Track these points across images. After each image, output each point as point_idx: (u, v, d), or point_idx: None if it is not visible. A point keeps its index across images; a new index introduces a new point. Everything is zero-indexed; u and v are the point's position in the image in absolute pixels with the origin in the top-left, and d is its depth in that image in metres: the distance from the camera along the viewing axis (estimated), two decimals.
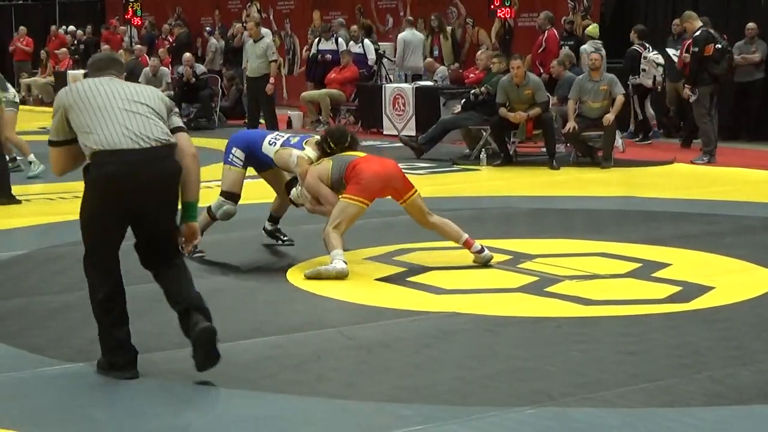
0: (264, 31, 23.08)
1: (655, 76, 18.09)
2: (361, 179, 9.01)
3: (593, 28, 20.62)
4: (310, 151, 9.39)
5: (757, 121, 18.88)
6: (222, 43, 26.23)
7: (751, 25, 18.54)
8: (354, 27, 24.17)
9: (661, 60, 18.26)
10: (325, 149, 9.34)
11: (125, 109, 6.16)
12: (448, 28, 22.92)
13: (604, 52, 19.01)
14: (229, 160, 9.86)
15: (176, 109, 6.51)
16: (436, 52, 22.76)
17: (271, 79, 19.04)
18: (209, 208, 9.89)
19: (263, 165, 9.80)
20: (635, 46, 18.80)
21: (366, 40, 23.16)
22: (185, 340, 6.93)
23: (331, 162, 9.21)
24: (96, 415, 5.64)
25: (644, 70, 18.03)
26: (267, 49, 19.01)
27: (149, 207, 6.20)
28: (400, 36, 23.17)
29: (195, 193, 6.33)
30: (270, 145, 9.61)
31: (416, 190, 9.22)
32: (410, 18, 24.02)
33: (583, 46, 19.46)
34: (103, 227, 6.20)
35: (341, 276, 8.62)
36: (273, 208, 10.32)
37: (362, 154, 9.34)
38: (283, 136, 9.75)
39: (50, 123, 6.46)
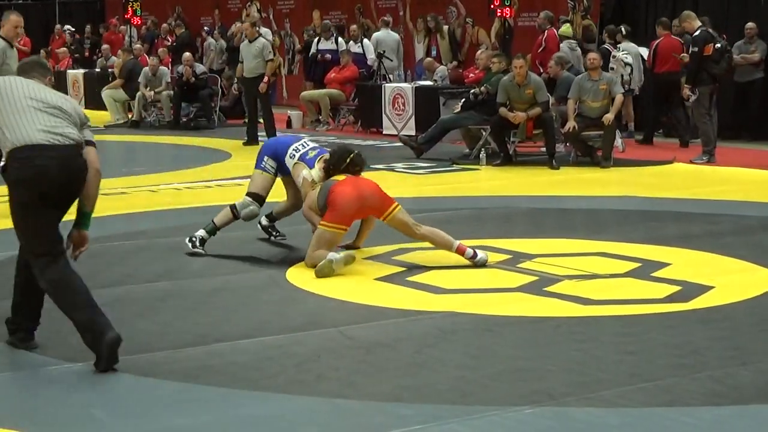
0: (263, 30, 23.11)
1: (622, 75, 18.13)
2: (336, 205, 9.09)
3: (566, 28, 20.97)
4: (315, 172, 9.46)
5: (757, 120, 18.90)
6: (222, 43, 26.22)
7: (750, 24, 18.56)
8: (353, 27, 24.18)
9: (630, 59, 18.36)
10: (327, 170, 9.38)
11: (40, 109, 6.36)
12: (445, 27, 22.89)
13: (579, 51, 19.22)
14: (261, 166, 9.94)
15: (89, 123, 6.62)
16: (434, 53, 22.77)
17: (266, 78, 18.64)
18: (233, 206, 9.91)
19: (286, 172, 9.84)
20: (606, 45, 18.93)
21: (365, 40, 23.18)
22: (186, 339, 6.97)
23: (318, 189, 9.30)
24: (96, 415, 5.65)
25: (612, 68, 18.06)
26: (263, 48, 18.67)
27: (61, 201, 6.41)
28: (374, 35, 23.49)
29: (92, 204, 6.59)
30: (290, 158, 9.72)
31: (396, 206, 9.21)
32: (387, 19, 24.33)
33: (561, 45, 19.63)
34: (36, 218, 6.26)
35: (349, 260, 8.79)
36: (277, 209, 10.34)
37: (342, 177, 9.33)
38: (304, 147, 9.77)
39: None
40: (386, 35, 23.13)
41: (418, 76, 22.89)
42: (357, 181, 9.29)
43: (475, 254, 9.07)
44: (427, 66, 21.80)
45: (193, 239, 9.75)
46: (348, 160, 9.42)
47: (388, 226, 9.32)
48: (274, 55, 19.39)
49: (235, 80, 23.59)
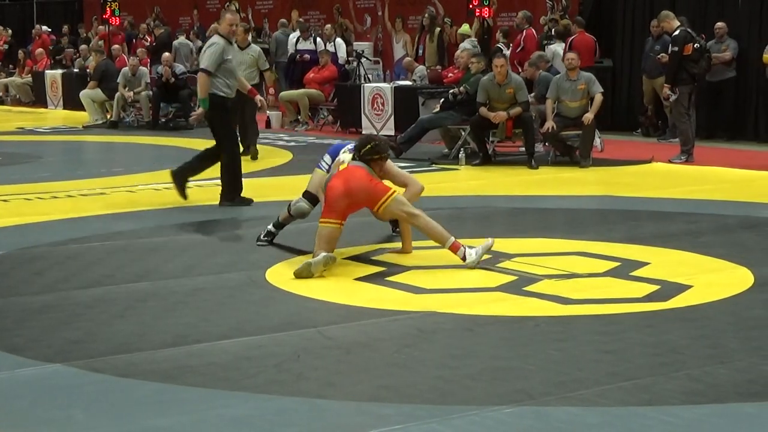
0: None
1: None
2: (329, 200, 9.14)
3: (465, 28, 21.35)
4: (347, 156, 9.50)
5: (732, 120, 18.98)
6: (199, 43, 26.14)
7: (719, 24, 18.63)
8: (327, 26, 24.19)
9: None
10: (354, 158, 9.43)
11: None
12: (436, 30, 22.88)
13: (479, 49, 19.44)
14: (319, 164, 9.91)
15: None
16: (420, 51, 22.77)
17: (271, 90, 17.71)
18: (289, 205, 9.90)
19: None
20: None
21: (338, 39, 23.19)
22: (166, 340, 6.96)
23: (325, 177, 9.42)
24: (76, 416, 5.63)
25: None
26: (259, 58, 17.25)
27: None
28: (274, 35, 24.52)
29: None
30: (343, 152, 9.73)
31: (389, 196, 9.19)
32: (284, 20, 25.28)
33: (462, 44, 20.22)
34: None
35: (330, 261, 8.78)
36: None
37: (342, 167, 9.33)
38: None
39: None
40: (283, 36, 24.09)
41: (397, 76, 22.93)
42: (348, 175, 9.24)
43: (464, 257, 9.05)
44: (407, 66, 21.82)
45: (262, 233, 9.97)
46: (367, 147, 9.41)
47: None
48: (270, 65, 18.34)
49: None
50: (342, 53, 22.91)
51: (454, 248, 9.10)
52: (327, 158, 9.84)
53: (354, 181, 9.19)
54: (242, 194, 12.43)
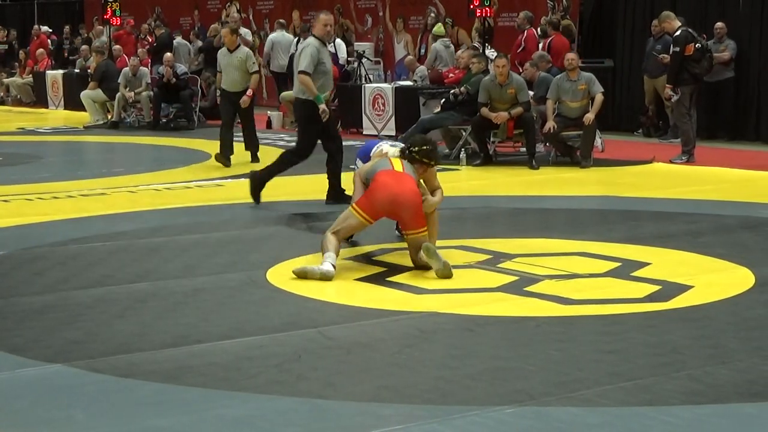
0: (243, 30, 23.07)
1: None
2: (373, 196, 9.03)
3: (438, 28, 21.79)
4: (394, 150, 9.50)
5: (732, 120, 18.98)
6: (198, 43, 26.16)
7: (719, 24, 18.63)
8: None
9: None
10: (403, 151, 9.38)
11: None
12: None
13: (453, 48, 19.60)
14: (350, 166, 9.99)
15: None
16: (423, 51, 22.75)
17: (249, 91, 16.48)
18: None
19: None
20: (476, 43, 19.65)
21: (337, 39, 23.20)
22: (166, 340, 6.96)
23: (374, 162, 9.33)
24: (76, 416, 5.63)
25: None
26: (247, 59, 16.41)
27: None
28: (270, 36, 24.33)
29: None
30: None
31: (422, 232, 8.97)
32: (282, 21, 25.12)
33: (434, 45, 20.60)
34: None
35: (325, 278, 8.61)
36: None
37: (398, 165, 9.20)
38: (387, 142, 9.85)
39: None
40: (282, 37, 23.89)
41: (398, 76, 22.91)
42: (401, 181, 9.06)
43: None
44: (409, 64, 21.79)
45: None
46: (423, 148, 9.25)
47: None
48: (259, 67, 17.82)
49: (212, 80, 23.59)
50: (342, 54, 22.91)
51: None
52: (359, 162, 9.81)
53: (406, 197, 8.98)
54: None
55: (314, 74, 12.15)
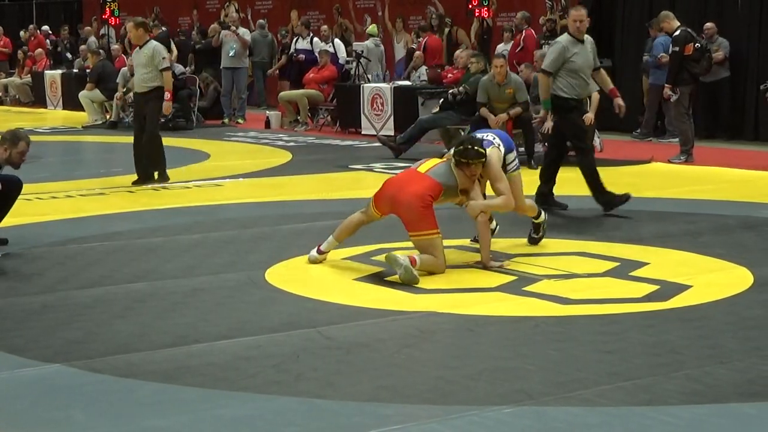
0: (241, 30, 23.08)
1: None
2: (380, 192, 9.19)
3: (372, 28, 22.83)
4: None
5: (730, 120, 18.98)
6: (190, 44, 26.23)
7: (708, 24, 18.62)
8: (324, 27, 24.23)
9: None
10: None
11: None
12: (446, 30, 22.81)
13: (383, 48, 19.79)
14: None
15: None
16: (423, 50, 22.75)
17: (167, 95, 14.35)
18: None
19: None
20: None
21: (336, 40, 23.21)
22: (165, 340, 6.96)
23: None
24: (75, 416, 5.63)
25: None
26: (154, 55, 14.27)
27: None
28: (251, 34, 24.43)
29: None
30: None
31: (427, 235, 8.86)
32: (262, 22, 25.74)
33: (365, 43, 21.47)
34: None
35: (311, 262, 9.11)
36: None
37: (426, 165, 9.23)
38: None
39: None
40: (259, 36, 24.44)
41: (398, 75, 22.92)
42: (410, 182, 9.03)
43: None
44: (417, 59, 21.74)
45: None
46: (458, 148, 9.13)
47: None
48: (170, 64, 15.16)
49: (211, 80, 23.61)
50: (342, 53, 22.95)
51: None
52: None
53: (404, 199, 8.94)
54: None
55: (561, 72, 11.68)
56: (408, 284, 8.46)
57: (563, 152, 12.21)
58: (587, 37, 11.99)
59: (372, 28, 23.65)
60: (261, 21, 25.72)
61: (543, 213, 10.03)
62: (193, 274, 8.94)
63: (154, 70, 14.23)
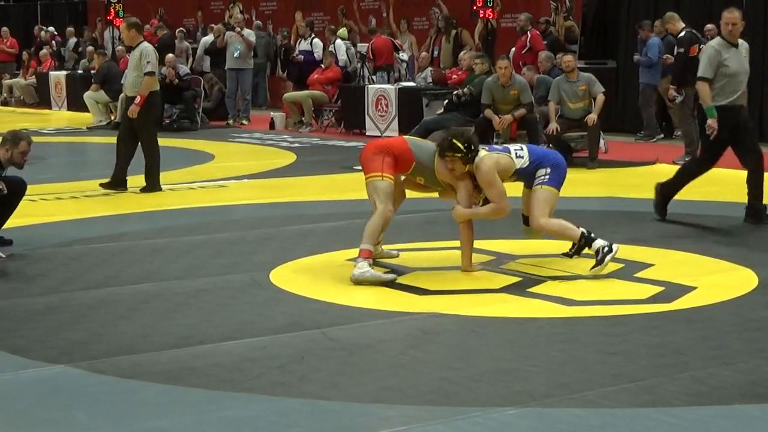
0: (246, 31, 23.09)
1: (400, 69, 19.81)
2: None
3: (342, 31, 23.37)
4: None
5: None
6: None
7: (709, 26, 18.58)
8: (329, 28, 24.32)
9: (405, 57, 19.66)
10: None
11: None
12: (453, 32, 22.81)
13: (354, 50, 20.10)
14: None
15: None
16: (435, 53, 22.77)
17: (138, 98, 13.54)
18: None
19: None
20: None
21: (338, 41, 23.24)
22: (169, 341, 6.96)
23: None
24: (79, 417, 5.64)
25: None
26: (141, 57, 13.73)
27: None
28: (203, 39, 25.06)
29: None
30: None
31: (369, 178, 8.84)
32: (259, 23, 26.20)
33: (337, 42, 22.31)
34: None
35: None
36: None
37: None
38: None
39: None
40: (257, 38, 24.43)
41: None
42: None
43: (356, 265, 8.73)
44: (424, 60, 21.79)
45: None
46: (443, 137, 9.04)
47: None
48: (156, 69, 14.01)
49: (215, 81, 23.64)
50: (342, 55, 22.99)
51: (362, 254, 8.71)
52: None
53: (364, 149, 9.17)
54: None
55: (716, 78, 11.23)
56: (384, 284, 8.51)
57: (714, 161, 11.54)
58: (741, 42, 11.55)
59: (342, 31, 23.93)
60: (257, 22, 25.80)
61: (595, 239, 9.01)
62: (197, 275, 8.94)
63: (142, 75, 13.67)
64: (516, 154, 9.05)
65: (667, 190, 11.56)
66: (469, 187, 8.96)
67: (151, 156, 13.74)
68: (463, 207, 8.96)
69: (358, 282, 8.49)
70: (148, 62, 13.64)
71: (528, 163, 9.05)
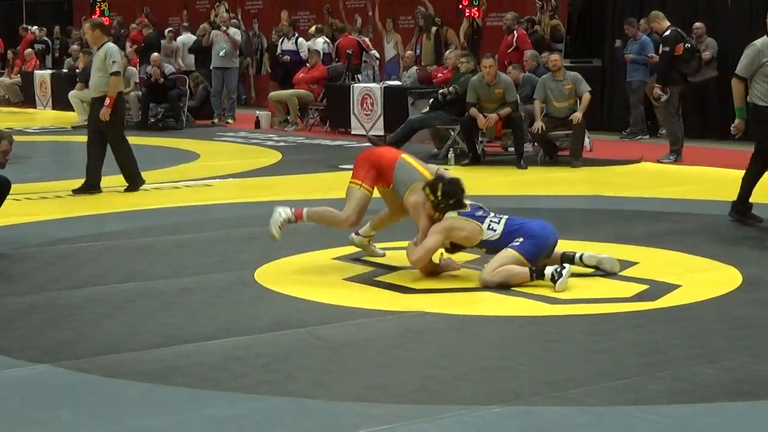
0: (232, 30, 23.07)
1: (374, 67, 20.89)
2: None
3: (312, 29, 23.81)
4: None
5: (720, 120, 18.99)
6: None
7: (698, 24, 18.65)
8: (313, 27, 24.35)
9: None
10: None
11: None
12: (433, 29, 22.82)
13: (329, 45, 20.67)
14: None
15: None
16: (418, 51, 22.79)
17: (107, 100, 13.26)
18: None
19: None
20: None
21: (318, 39, 23.27)
22: (154, 340, 6.95)
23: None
24: (64, 417, 5.63)
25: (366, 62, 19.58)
26: (106, 57, 13.42)
27: None
28: (180, 38, 25.39)
29: None
30: None
31: (350, 182, 9.05)
32: (186, 24, 26.47)
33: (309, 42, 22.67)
34: None
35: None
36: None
37: (416, 161, 9.17)
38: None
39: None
40: (188, 39, 25.02)
41: (388, 75, 22.94)
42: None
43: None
44: (409, 59, 21.77)
45: None
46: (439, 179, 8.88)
47: None
48: (121, 69, 13.91)
49: (201, 80, 23.60)
50: (303, 50, 23.17)
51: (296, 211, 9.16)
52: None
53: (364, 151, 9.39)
54: None
55: (756, 78, 10.87)
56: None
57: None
58: None
59: (312, 29, 24.18)
60: (234, 21, 25.75)
61: (543, 270, 8.40)
62: (182, 274, 8.94)
63: (107, 75, 13.38)
64: (490, 225, 8.65)
65: (742, 201, 11.09)
66: (426, 229, 8.69)
67: (122, 154, 13.56)
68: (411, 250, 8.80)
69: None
70: (113, 62, 13.38)
71: (498, 237, 8.58)
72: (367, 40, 23.60)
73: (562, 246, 8.99)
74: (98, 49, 13.67)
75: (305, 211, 9.10)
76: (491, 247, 8.63)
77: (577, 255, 8.77)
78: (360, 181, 8.99)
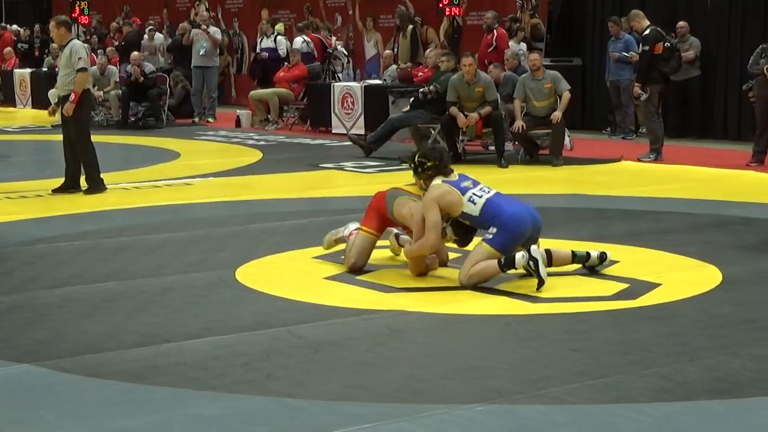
0: (212, 29, 23.04)
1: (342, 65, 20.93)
2: None
3: (279, 26, 24.01)
4: None
5: (701, 119, 19.06)
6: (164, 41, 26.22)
7: (681, 23, 18.69)
8: (299, 24, 24.34)
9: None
10: None
11: None
12: (409, 27, 22.82)
13: (288, 45, 20.83)
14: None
15: None
16: (396, 50, 22.79)
17: (72, 96, 13.29)
18: None
19: None
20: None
21: (299, 37, 23.25)
22: (135, 340, 6.93)
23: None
24: (45, 416, 5.61)
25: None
26: (71, 54, 13.34)
27: None
28: (157, 36, 25.55)
29: None
30: None
31: (359, 228, 9.06)
32: (168, 24, 26.73)
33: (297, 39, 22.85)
34: None
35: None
36: None
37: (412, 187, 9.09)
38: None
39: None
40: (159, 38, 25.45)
41: (368, 74, 22.94)
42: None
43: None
44: (387, 58, 21.78)
45: None
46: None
47: None
48: (88, 66, 13.56)
49: (181, 79, 23.56)
50: (281, 47, 23.21)
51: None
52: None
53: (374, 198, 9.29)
54: None
55: None
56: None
57: None
58: None
59: (279, 26, 24.27)
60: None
61: (513, 257, 8.34)
62: (162, 273, 8.91)
63: (74, 72, 13.31)
64: (471, 198, 8.52)
65: None
66: (420, 228, 8.60)
67: (85, 153, 13.44)
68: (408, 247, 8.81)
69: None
70: (79, 58, 13.27)
71: (478, 214, 8.48)
72: (332, 38, 23.66)
73: (545, 244, 9.00)
74: (64, 46, 13.57)
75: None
76: (473, 222, 8.60)
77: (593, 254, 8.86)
78: (363, 226, 9.06)
